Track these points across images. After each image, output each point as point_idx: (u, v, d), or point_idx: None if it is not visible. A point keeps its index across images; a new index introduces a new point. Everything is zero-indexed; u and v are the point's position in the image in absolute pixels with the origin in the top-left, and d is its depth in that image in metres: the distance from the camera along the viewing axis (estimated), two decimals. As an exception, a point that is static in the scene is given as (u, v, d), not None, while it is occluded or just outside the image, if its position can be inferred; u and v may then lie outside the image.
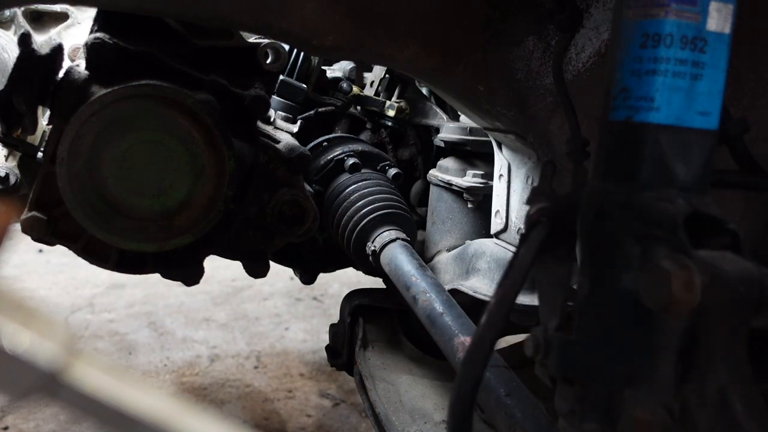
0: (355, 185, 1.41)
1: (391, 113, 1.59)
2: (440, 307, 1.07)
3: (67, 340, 0.36)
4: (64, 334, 0.36)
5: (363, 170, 1.45)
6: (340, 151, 1.48)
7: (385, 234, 1.31)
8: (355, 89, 1.61)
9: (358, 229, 1.34)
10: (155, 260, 1.22)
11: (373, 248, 1.31)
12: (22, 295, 0.37)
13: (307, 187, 1.33)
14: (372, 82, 1.64)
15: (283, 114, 1.51)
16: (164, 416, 0.37)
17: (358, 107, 1.65)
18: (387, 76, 1.63)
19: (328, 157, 1.47)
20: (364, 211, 1.36)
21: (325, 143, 1.55)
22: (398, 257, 1.24)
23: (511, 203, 1.18)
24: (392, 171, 1.50)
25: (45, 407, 1.93)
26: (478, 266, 1.29)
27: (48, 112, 1.15)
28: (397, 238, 1.29)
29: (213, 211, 1.16)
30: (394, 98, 1.62)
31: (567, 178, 0.92)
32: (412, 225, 1.40)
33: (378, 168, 1.50)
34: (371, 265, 1.34)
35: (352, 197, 1.39)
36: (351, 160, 1.45)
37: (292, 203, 1.26)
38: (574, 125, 0.85)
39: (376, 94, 1.63)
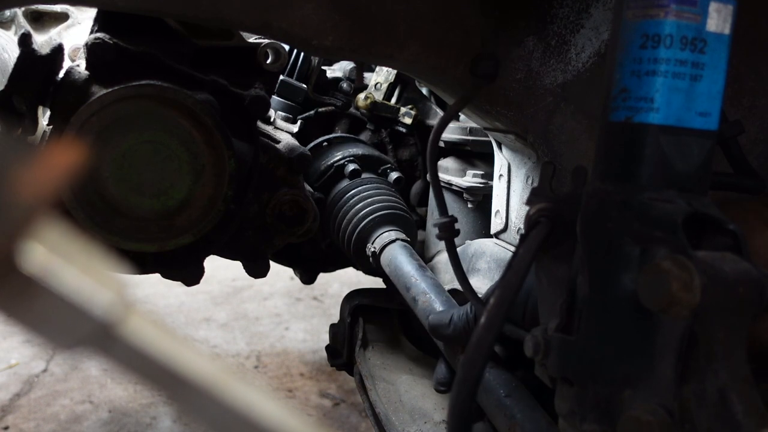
0: (355, 190, 1.41)
1: (408, 121, 1.60)
2: (440, 308, 1.07)
3: (125, 294, 0.34)
4: (122, 288, 0.34)
5: (363, 175, 1.45)
6: (339, 157, 1.48)
7: (385, 235, 1.31)
8: (375, 95, 1.61)
9: (358, 230, 1.34)
10: (155, 260, 1.22)
11: (373, 249, 1.31)
12: (83, 242, 0.35)
13: (307, 187, 1.33)
14: (377, 84, 1.64)
15: (283, 114, 1.51)
16: (212, 379, 0.36)
17: (366, 113, 1.65)
18: (394, 80, 1.63)
19: (328, 163, 1.47)
20: (363, 212, 1.35)
21: (325, 143, 1.55)
22: (398, 258, 1.23)
23: (511, 203, 1.18)
24: (393, 175, 1.50)
25: (46, 407, 1.93)
26: (478, 266, 1.29)
27: (48, 112, 1.15)
28: (397, 239, 1.29)
29: (213, 211, 1.16)
30: (401, 103, 1.63)
31: (567, 178, 0.92)
32: (412, 225, 1.40)
33: (379, 171, 1.50)
34: (372, 266, 1.34)
35: (351, 201, 1.39)
36: (351, 166, 1.45)
37: (292, 203, 1.26)
38: (441, 205, 0.92)
39: (385, 98, 1.63)
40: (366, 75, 1.71)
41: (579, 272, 0.63)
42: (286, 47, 1.28)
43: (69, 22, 1.49)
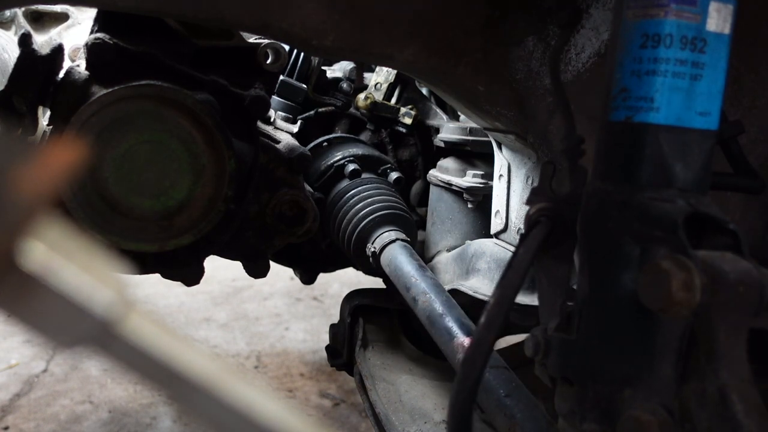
0: (355, 190, 1.41)
1: (408, 121, 1.61)
2: (440, 308, 1.07)
3: (125, 292, 0.34)
4: (123, 285, 0.34)
5: (363, 175, 1.45)
6: (340, 156, 1.48)
7: (385, 235, 1.31)
8: (375, 95, 1.61)
9: (358, 230, 1.34)
10: (155, 260, 1.22)
11: (373, 249, 1.31)
12: (82, 240, 0.34)
13: (307, 188, 1.33)
14: (377, 84, 1.64)
15: (283, 114, 1.51)
16: (213, 378, 0.36)
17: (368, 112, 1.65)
18: (394, 80, 1.63)
19: (328, 163, 1.47)
20: (363, 212, 1.36)
21: (325, 143, 1.55)
22: (398, 258, 1.23)
23: (511, 203, 1.18)
24: (393, 175, 1.50)
25: (46, 407, 1.93)
26: (478, 266, 1.29)
27: (48, 113, 1.15)
28: (397, 239, 1.29)
29: (213, 211, 1.16)
30: (401, 103, 1.63)
31: (567, 178, 0.92)
32: (412, 226, 1.40)
33: (379, 171, 1.50)
34: (372, 266, 1.34)
35: (351, 201, 1.39)
36: (351, 166, 1.45)
37: (292, 203, 1.26)
38: (570, 123, 0.86)
39: (385, 98, 1.63)
40: (366, 75, 1.71)
41: (579, 272, 0.63)
42: (286, 47, 1.28)
43: (69, 22, 1.49)
